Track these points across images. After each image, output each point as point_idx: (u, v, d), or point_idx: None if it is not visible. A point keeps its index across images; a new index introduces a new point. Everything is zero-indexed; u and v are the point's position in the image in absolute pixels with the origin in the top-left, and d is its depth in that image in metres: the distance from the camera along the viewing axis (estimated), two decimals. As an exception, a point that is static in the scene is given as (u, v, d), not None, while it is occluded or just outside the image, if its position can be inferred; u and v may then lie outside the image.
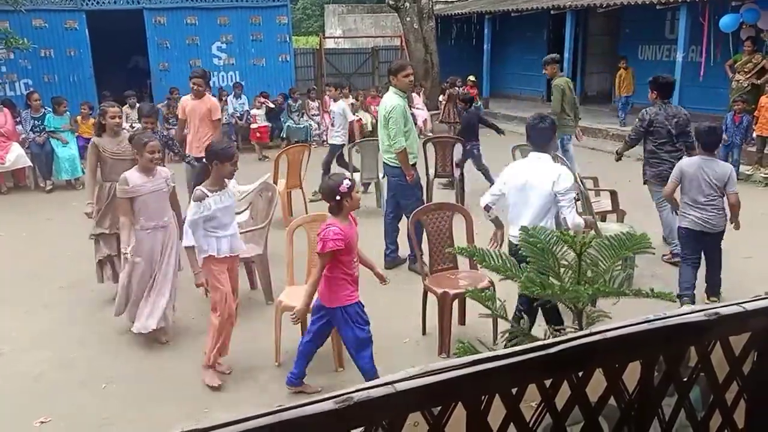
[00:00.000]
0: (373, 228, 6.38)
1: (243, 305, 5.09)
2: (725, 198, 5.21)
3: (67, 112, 10.39)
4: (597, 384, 1.38)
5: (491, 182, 8.77)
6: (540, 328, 3.52)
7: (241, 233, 4.71)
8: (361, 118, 13.71)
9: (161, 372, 4.53)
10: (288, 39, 14.59)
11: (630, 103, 13.45)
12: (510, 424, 1.30)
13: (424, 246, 5.17)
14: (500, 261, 2.81)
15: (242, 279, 5.29)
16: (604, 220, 6.43)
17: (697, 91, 12.49)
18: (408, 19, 15.92)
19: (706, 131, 5.23)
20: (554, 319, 3.90)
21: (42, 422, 3.93)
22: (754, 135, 9.78)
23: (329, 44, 20.32)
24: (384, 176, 6.73)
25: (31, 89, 11.45)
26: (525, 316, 3.91)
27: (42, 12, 12.34)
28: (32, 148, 9.93)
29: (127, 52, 15.59)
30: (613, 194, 6.55)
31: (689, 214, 5.25)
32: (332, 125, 9.08)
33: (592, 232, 4.72)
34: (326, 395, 1.06)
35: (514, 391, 1.27)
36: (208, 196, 4.11)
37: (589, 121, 13.70)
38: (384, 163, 6.19)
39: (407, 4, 15.78)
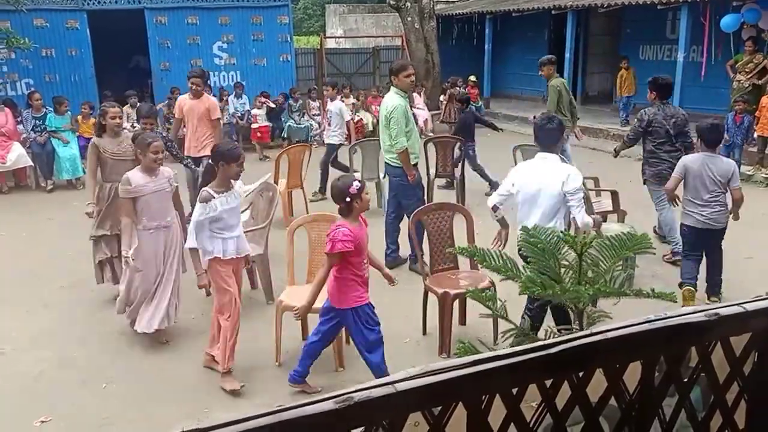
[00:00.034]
0: (373, 228, 6.33)
1: (243, 305, 5.08)
2: (727, 194, 5.23)
3: (69, 112, 10.39)
4: (597, 384, 1.38)
5: (488, 181, 8.85)
6: (540, 328, 3.53)
7: (241, 233, 4.70)
8: (362, 118, 13.73)
9: (161, 372, 4.53)
10: (289, 39, 14.59)
11: (631, 104, 13.44)
12: (510, 424, 1.30)
13: (425, 246, 5.16)
14: (501, 261, 2.80)
15: (243, 279, 5.29)
16: (605, 220, 6.43)
17: (698, 91, 12.48)
18: (409, 19, 15.91)
19: (709, 128, 5.26)
20: (563, 319, 3.90)
21: (42, 422, 3.93)
22: (755, 135, 9.77)
23: (330, 44, 20.32)
24: (385, 176, 6.73)
25: (33, 89, 11.45)
26: (529, 318, 3.91)
27: (43, 12, 12.35)
28: (33, 148, 9.93)
29: (129, 52, 15.60)
30: (614, 194, 6.55)
31: (692, 212, 5.26)
32: (329, 125, 9.06)
33: (593, 232, 4.73)
34: (326, 395, 1.06)
35: (514, 391, 1.27)
36: (214, 198, 4.08)
37: (590, 121, 13.70)
38: (385, 163, 6.19)
39: (408, 3, 15.78)
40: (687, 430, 1.52)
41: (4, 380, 4.43)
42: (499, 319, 3.71)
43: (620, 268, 2.79)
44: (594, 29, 16.87)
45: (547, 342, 1.23)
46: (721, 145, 6.23)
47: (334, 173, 8.93)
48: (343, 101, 13.37)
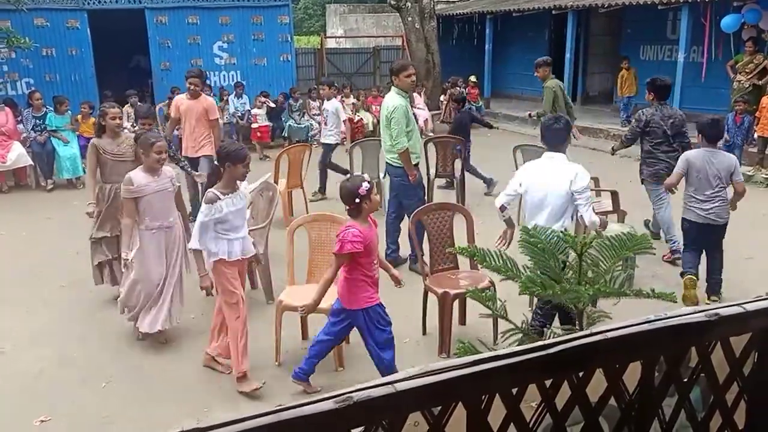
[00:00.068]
0: (373, 228, 6.37)
1: (243, 305, 5.09)
2: (727, 189, 5.27)
3: (69, 112, 10.39)
4: (597, 384, 1.38)
5: (482, 179, 8.88)
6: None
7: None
8: (362, 118, 13.73)
9: (161, 371, 4.53)
10: (289, 39, 14.58)
11: (632, 104, 13.44)
12: (510, 424, 1.30)
13: (425, 246, 5.17)
14: (501, 261, 2.80)
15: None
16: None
17: (698, 92, 12.48)
18: (409, 18, 15.91)
19: (709, 124, 5.32)
20: (566, 319, 3.91)
21: (42, 421, 3.93)
22: (755, 136, 9.77)
23: (330, 44, 20.32)
24: (385, 176, 6.73)
25: (33, 88, 11.45)
26: (540, 317, 3.90)
27: (44, 11, 12.35)
28: (33, 147, 9.93)
29: (129, 52, 15.60)
30: (614, 194, 6.56)
31: (693, 207, 5.30)
32: (325, 124, 9.01)
33: (593, 232, 4.73)
34: (326, 395, 1.06)
35: (514, 391, 1.27)
36: (220, 199, 4.05)
37: (590, 122, 13.70)
38: (387, 162, 6.19)
39: (409, 3, 15.77)
40: (687, 430, 1.52)
41: (4, 379, 4.43)
42: (499, 319, 3.71)
43: (620, 268, 2.79)
44: (594, 29, 16.87)
45: (547, 342, 1.23)
46: (721, 142, 6.27)
47: (333, 173, 8.96)
48: (343, 101, 13.42)
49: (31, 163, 9.95)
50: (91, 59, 12.84)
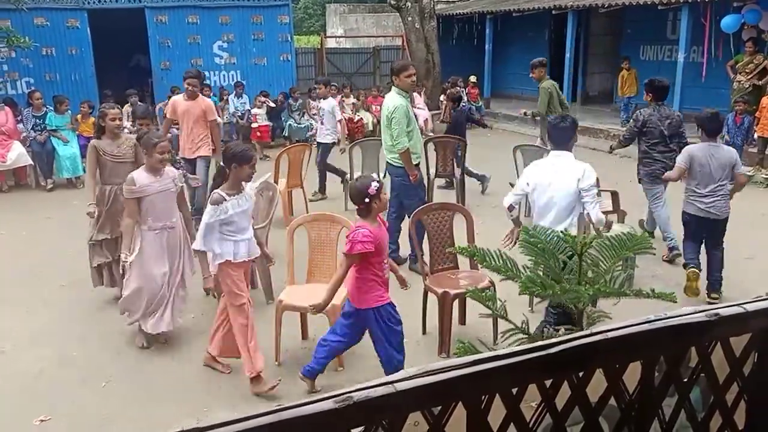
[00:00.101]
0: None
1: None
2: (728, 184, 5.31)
3: (69, 111, 10.39)
4: (597, 384, 1.38)
5: (476, 177, 8.89)
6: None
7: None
8: (362, 118, 13.73)
9: (161, 371, 4.53)
10: (289, 38, 14.59)
11: (633, 104, 13.43)
12: (510, 424, 1.30)
13: (425, 246, 5.16)
14: (501, 261, 2.80)
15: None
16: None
17: (698, 92, 12.48)
18: (409, 18, 15.90)
19: (709, 117, 5.34)
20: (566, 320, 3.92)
21: (42, 420, 3.93)
22: (755, 136, 9.78)
23: (330, 44, 20.32)
24: (386, 176, 6.73)
25: (33, 88, 11.46)
26: (553, 319, 3.90)
27: (44, 10, 12.35)
28: (33, 147, 9.93)
29: (129, 51, 15.59)
30: (614, 195, 6.56)
31: (694, 201, 5.34)
32: (321, 123, 8.96)
33: (593, 232, 4.74)
34: (326, 395, 1.06)
35: (514, 391, 1.27)
36: (225, 200, 4.02)
37: (591, 122, 13.70)
38: (387, 162, 6.20)
39: (409, 3, 15.77)
40: (687, 430, 1.52)
41: (4, 379, 4.43)
42: (499, 319, 3.71)
43: (620, 268, 2.79)
44: (595, 29, 16.87)
45: (547, 342, 1.23)
46: (722, 134, 6.29)
47: (332, 173, 8.96)
48: (343, 101, 13.42)
49: (31, 162, 9.95)
50: (91, 58, 12.84)
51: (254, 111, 12.76)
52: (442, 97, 14.49)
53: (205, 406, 4.07)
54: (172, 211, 4.73)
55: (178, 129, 7.65)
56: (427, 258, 5.13)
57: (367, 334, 4.04)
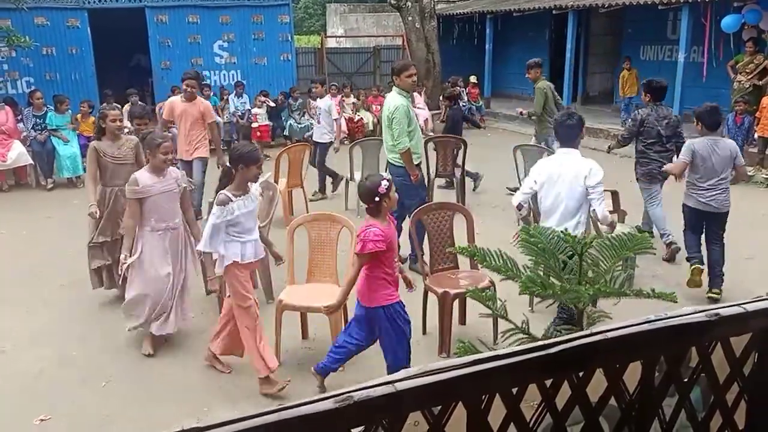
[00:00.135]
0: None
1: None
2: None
3: (69, 111, 10.40)
4: (597, 384, 1.38)
5: (470, 176, 8.90)
6: (541, 327, 3.52)
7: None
8: (362, 117, 13.73)
9: (161, 370, 4.53)
10: (290, 38, 14.57)
11: (633, 104, 13.43)
12: (510, 424, 1.30)
13: (425, 245, 5.16)
14: (501, 261, 2.80)
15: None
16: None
17: (699, 92, 12.47)
18: (410, 18, 15.90)
19: (708, 111, 5.34)
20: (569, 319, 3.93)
21: (42, 420, 3.93)
22: (756, 136, 9.77)
23: (331, 43, 20.32)
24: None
25: (33, 87, 11.46)
26: (563, 321, 3.91)
27: (44, 10, 12.34)
28: (33, 146, 9.94)
29: (129, 51, 15.59)
30: (614, 195, 6.56)
31: (693, 194, 5.36)
32: (318, 122, 8.94)
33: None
34: (326, 394, 1.06)
35: (514, 391, 1.27)
36: (232, 201, 4.00)
37: (591, 122, 13.65)
38: (388, 162, 6.21)
39: (409, 3, 15.77)
40: (687, 430, 1.52)
41: (4, 379, 4.43)
42: (499, 319, 3.71)
43: (620, 268, 2.79)
44: (595, 29, 16.87)
45: (547, 342, 1.23)
46: (721, 128, 6.30)
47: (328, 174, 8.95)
48: (343, 100, 13.42)
49: (32, 162, 9.95)
50: (92, 58, 12.83)
51: (254, 111, 12.76)
52: (442, 97, 14.50)
53: (205, 405, 4.07)
54: (175, 212, 4.71)
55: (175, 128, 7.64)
56: (427, 258, 5.13)
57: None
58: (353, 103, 13.89)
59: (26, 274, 6.34)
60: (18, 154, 9.69)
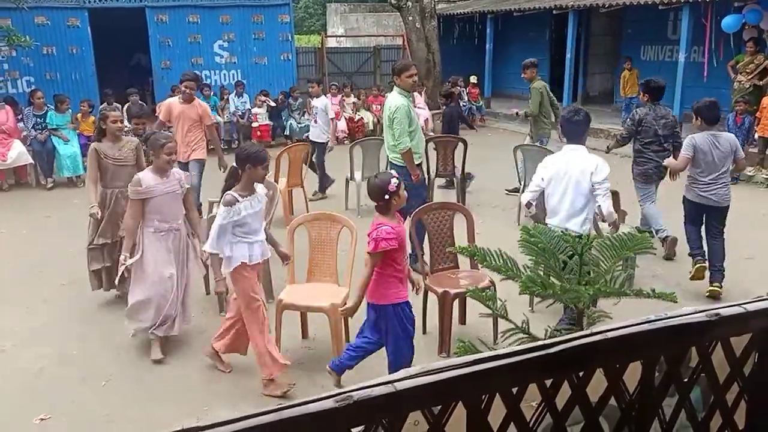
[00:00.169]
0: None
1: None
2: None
3: (69, 110, 10.40)
4: (597, 384, 1.38)
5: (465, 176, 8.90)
6: (541, 327, 3.52)
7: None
8: (362, 117, 13.73)
9: (161, 370, 4.53)
10: (290, 38, 14.58)
11: (634, 105, 13.42)
12: (510, 423, 1.30)
13: (425, 245, 5.16)
14: (501, 261, 2.80)
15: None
16: (605, 220, 6.44)
17: (699, 92, 12.39)
18: (410, 18, 15.90)
19: (707, 105, 5.36)
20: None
21: (42, 419, 3.93)
22: (756, 136, 9.77)
23: (331, 43, 20.31)
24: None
25: (34, 87, 11.46)
26: (568, 323, 3.91)
27: (44, 9, 12.34)
28: (34, 146, 9.94)
29: (130, 50, 15.60)
30: (615, 195, 6.55)
31: (694, 187, 5.38)
32: (315, 122, 8.91)
33: (593, 233, 4.75)
34: (326, 394, 1.06)
35: (514, 390, 1.27)
36: (239, 201, 3.98)
37: (591, 122, 13.67)
38: (389, 162, 6.21)
39: (409, 3, 15.77)
40: (687, 430, 1.52)
41: (5, 378, 4.44)
42: (499, 319, 3.72)
43: (620, 268, 2.79)
44: (595, 29, 16.86)
45: (547, 342, 1.23)
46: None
47: (314, 175, 8.93)
48: (344, 100, 13.42)
49: (32, 161, 9.96)
50: (92, 57, 12.84)
51: (255, 110, 12.76)
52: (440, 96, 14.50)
53: (205, 405, 4.07)
54: (178, 213, 4.70)
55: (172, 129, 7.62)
56: (427, 257, 5.13)
57: None
58: (353, 102, 13.89)
59: (26, 274, 6.34)
60: (18, 153, 9.70)
